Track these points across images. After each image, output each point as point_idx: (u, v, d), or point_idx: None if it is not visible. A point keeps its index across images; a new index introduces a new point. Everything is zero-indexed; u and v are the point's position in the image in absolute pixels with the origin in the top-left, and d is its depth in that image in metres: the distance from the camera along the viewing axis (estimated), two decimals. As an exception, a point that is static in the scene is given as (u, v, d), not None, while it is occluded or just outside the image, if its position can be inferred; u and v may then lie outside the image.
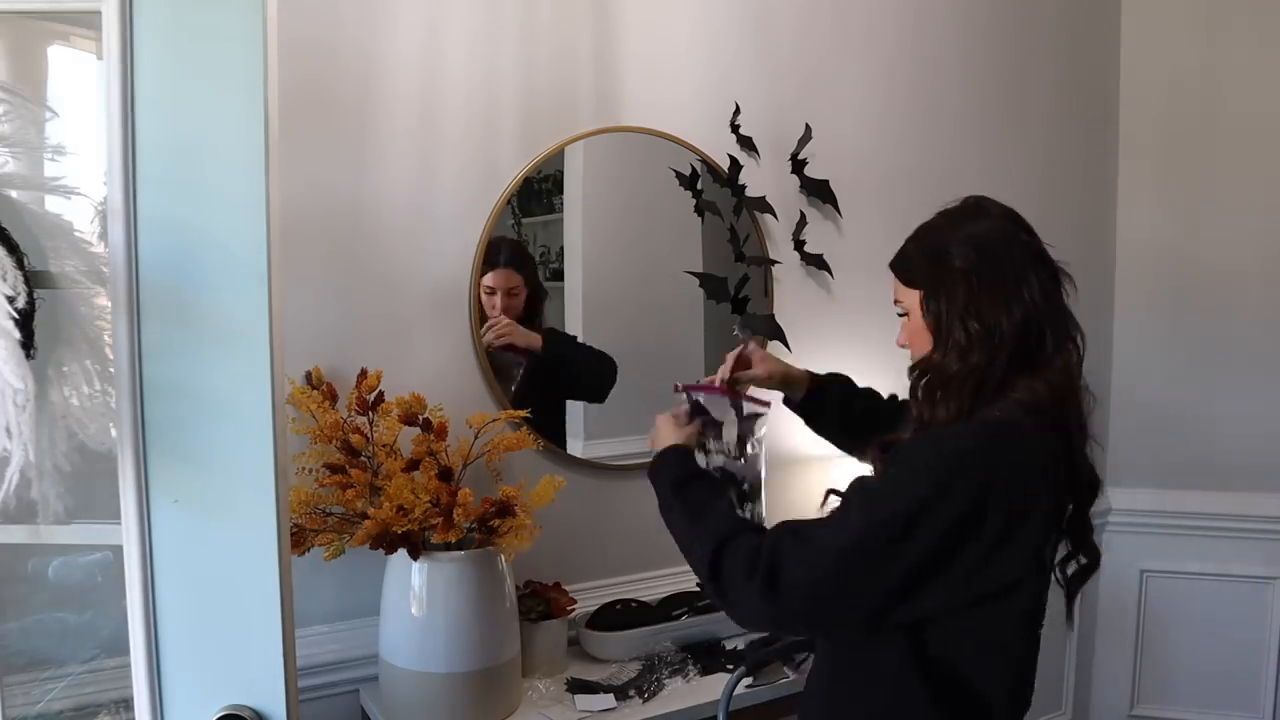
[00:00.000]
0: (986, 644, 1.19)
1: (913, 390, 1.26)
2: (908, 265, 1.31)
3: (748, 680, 1.79)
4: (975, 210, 1.29)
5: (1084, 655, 2.88)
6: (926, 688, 1.18)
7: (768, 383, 1.57)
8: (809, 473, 2.30)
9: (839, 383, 1.61)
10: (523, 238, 2.00)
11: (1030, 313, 1.18)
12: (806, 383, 1.58)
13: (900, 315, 1.32)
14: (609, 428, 2.10)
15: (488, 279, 1.92)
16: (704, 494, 1.31)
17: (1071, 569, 1.26)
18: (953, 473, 1.11)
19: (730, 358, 1.55)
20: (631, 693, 1.76)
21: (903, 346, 1.34)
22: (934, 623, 1.17)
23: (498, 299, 1.93)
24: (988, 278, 1.20)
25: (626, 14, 2.02)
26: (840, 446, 1.62)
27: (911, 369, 1.27)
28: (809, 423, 1.60)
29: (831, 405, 1.58)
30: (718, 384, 1.52)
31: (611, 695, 1.74)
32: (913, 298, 1.28)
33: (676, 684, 1.81)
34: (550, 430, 2.00)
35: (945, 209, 1.33)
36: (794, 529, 1.18)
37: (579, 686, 1.77)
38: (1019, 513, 1.12)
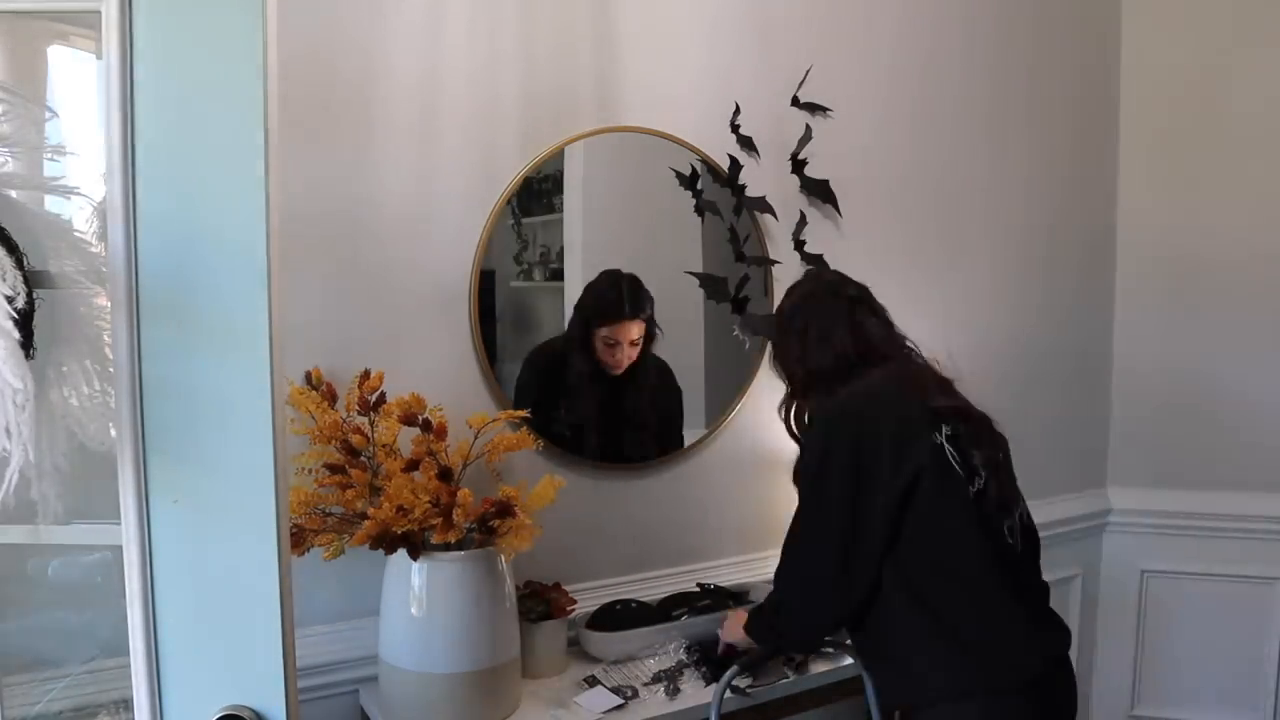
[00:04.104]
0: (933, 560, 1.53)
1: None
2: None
3: (746, 681, 1.79)
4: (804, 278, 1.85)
5: (1084, 655, 2.87)
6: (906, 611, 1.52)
7: None
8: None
9: None
10: (523, 238, 2.00)
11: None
12: None
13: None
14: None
15: (613, 331, 1.92)
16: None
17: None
18: (825, 439, 1.60)
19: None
20: (652, 687, 1.78)
21: None
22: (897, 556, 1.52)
23: (620, 351, 1.93)
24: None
25: (627, 14, 2.02)
26: None
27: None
28: None
29: None
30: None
31: (615, 694, 1.74)
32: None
33: (690, 683, 1.82)
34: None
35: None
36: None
37: (594, 682, 1.79)
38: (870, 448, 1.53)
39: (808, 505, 1.59)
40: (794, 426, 1.76)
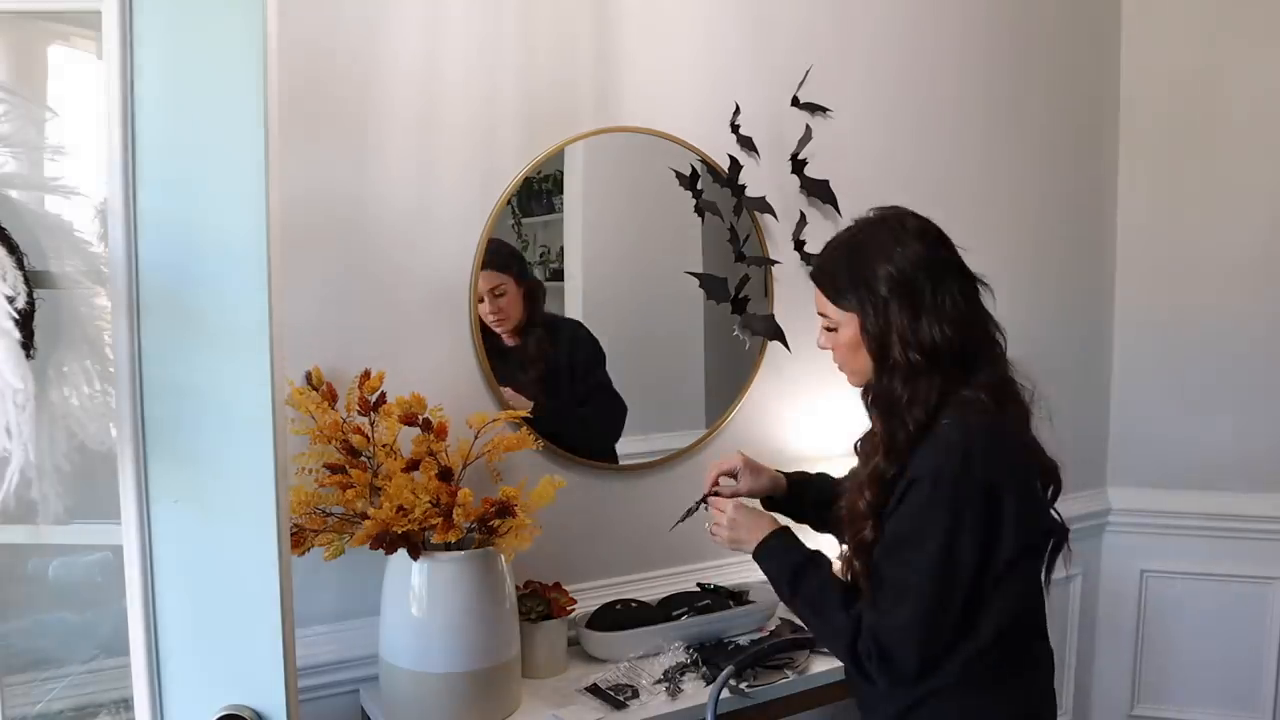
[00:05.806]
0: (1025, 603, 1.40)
1: (870, 410, 1.41)
2: (835, 285, 1.41)
3: (745, 683, 1.79)
4: (897, 226, 1.41)
5: (1084, 655, 2.88)
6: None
7: (750, 496, 1.63)
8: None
9: (811, 483, 1.69)
10: (524, 238, 2.00)
11: (959, 329, 1.33)
12: (784, 489, 1.66)
13: (827, 328, 1.43)
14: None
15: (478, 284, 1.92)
16: (814, 586, 1.42)
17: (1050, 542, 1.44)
18: (956, 491, 1.28)
19: (714, 470, 1.63)
20: (652, 687, 1.77)
21: (823, 348, 1.46)
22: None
23: (486, 304, 1.93)
24: (916, 302, 1.33)
25: (626, 14, 2.02)
26: (818, 530, 1.66)
27: (865, 394, 1.42)
28: (790, 516, 1.65)
29: (808, 506, 1.66)
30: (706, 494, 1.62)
31: (615, 694, 1.74)
32: (839, 314, 1.40)
33: (690, 683, 1.81)
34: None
35: (864, 220, 1.45)
36: (875, 609, 1.33)
37: (596, 692, 1.78)
38: (1013, 493, 1.31)
39: (934, 564, 1.27)
40: (891, 409, 1.34)
